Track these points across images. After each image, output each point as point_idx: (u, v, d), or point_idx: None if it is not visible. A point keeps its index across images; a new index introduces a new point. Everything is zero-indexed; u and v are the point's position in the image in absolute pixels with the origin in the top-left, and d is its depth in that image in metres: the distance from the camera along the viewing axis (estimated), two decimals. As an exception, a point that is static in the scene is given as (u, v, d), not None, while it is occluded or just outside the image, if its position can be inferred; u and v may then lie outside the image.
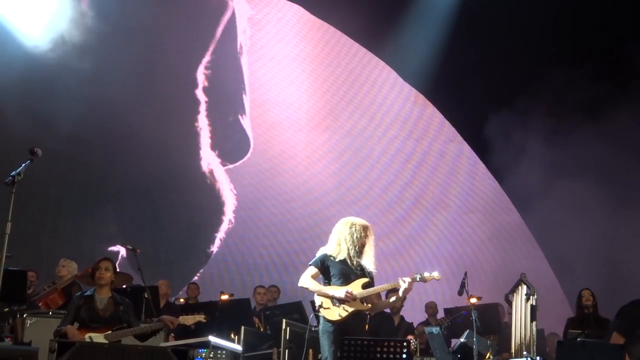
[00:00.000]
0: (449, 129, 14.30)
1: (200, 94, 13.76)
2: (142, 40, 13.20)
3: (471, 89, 12.86)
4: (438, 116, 14.34)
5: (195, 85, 13.75)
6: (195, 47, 13.89)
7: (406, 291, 6.35)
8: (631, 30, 12.26)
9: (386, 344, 5.94)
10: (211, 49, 13.98)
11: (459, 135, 14.18)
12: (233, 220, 13.51)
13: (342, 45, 14.59)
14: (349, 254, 6.34)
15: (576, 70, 12.04)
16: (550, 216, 12.47)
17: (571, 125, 12.12)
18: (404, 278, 6.33)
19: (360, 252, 6.38)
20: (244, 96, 14.11)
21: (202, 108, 13.72)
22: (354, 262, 6.35)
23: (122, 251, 12.04)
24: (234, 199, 13.59)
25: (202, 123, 13.61)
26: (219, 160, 13.80)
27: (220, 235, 13.48)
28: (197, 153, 13.64)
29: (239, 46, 14.23)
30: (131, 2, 13.37)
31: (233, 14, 14.28)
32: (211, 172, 13.66)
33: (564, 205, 12.10)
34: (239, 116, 14.05)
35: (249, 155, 13.83)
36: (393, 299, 6.67)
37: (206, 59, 13.88)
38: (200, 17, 14.12)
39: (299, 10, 14.53)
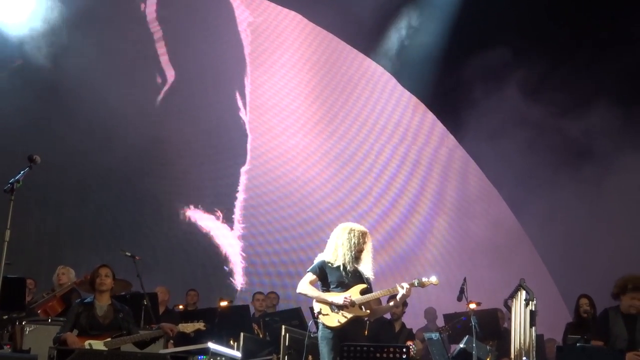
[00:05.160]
0: (448, 137, 14.33)
1: (199, 98, 13.77)
2: (142, 50, 13.19)
3: (472, 95, 12.90)
4: (438, 124, 14.38)
5: (193, 89, 13.76)
6: (196, 52, 13.92)
7: (404, 297, 6.36)
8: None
9: (386, 349, 5.93)
10: (211, 54, 14.01)
11: (457, 142, 14.21)
12: (231, 226, 13.50)
13: (341, 52, 14.63)
14: (346, 260, 6.33)
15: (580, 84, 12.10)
16: (548, 222, 12.49)
17: (569, 139, 12.20)
18: (402, 284, 6.33)
19: (357, 258, 6.37)
20: (243, 102, 14.13)
21: (203, 113, 13.72)
22: (351, 268, 6.34)
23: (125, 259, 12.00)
24: (232, 205, 13.58)
25: (201, 129, 13.60)
26: (217, 167, 13.80)
27: (219, 241, 13.47)
28: (196, 160, 13.64)
29: (239, 52, 14.26)
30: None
31: (233, 20, 14.31)
32: (210, 178, 13.66)
33: (561, 210, 12.13)
34: (238, 123, 14.07)
35: (247, 161, 13.83)
36: (391, 304, 6.68)
37: (206, 64, 13.90)
38: (202, 22, 14.16)
39: (296, 17, 14.56)
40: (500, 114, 12.58)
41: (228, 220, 13.52)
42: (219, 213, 13.50)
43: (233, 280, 13.31)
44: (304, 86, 14.43)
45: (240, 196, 13.65)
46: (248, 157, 13.87)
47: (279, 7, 14.57)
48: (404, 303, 8.42)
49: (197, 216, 13.50)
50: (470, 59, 12.79)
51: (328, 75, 14.60)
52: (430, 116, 14.40)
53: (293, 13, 14.55)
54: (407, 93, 14.45)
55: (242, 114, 14.06)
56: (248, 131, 14.00)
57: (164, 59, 13.72)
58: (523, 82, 12.60)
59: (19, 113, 12.23)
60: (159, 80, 13.61)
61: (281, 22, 14.64)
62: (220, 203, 13.61)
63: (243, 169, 13.80)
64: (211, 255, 13.39)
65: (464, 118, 13.26)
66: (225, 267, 13.41)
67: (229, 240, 13.49)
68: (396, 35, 13.92)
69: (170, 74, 13.60)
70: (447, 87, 13.50)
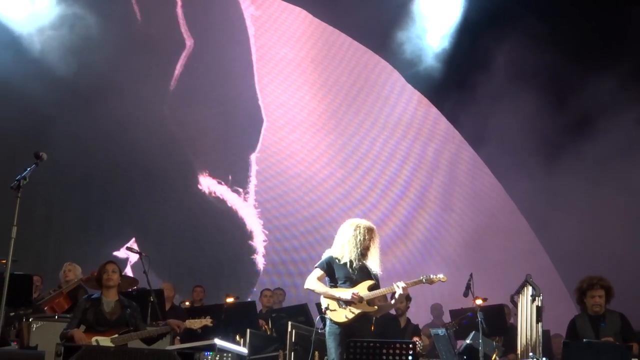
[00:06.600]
0: (452, 132, 14.30)
1: (205, 96, 13.77)
2: (149, 48, 13.19)
3: (473, 92, 12.87)
4: (441, 119, 14.34)
5: (200, 86, 13.76)
6: (200, 49, 13.93)
7: (401, 296, 6.42)
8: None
9: (392, 345, 5.94)
10: (216, 52, 14.01)
11: (462, 137, 14.18)
12: (238, 222, 13.51)
13: (345, 47, 14.60)
14: (352, 256, 6.34)
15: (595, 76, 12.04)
16: (554, 217, 12.47)
17: (565, 139, 12.19)
18: (397, 283, 6.35)
19: (363, 254, 6.38)
20: (251, 99, 14.14)
21: (205, 111, 13.71)
22: (358, 265, 6.35)
23: (131, 255, 12.04)
24: (238, 201, 13.58)
25: (208, 125, 13.60)
26: (223, 163, 13.81)
27: (225, 237, 13.47)
28: (202, 155, 13.64)
29: (245, 49, 14.27)
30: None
31: (240, 15, 14.31)
32: (216, 174, 13.66)
33: (565, 205, 12.11)
34: (245, 118, 14.07)
35: (254, 156, 13.83)
36: (392, 301, 6.71)
37: (211, 60, 13.90)
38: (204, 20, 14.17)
39: (295, 10, 14.54)
40: (503, 108, 12.55)
41: (235, 218, 13.53)
42: (225, 211, 13.52)
43: (240, 277, 13.33)
44: (307, 82, 14.40)
45: (247, 194, 13.65)
46: (255, 153, 13.88)
47: (284, 3, 14.55)
48: (407, 298, 8.44)
49: (203, 214, 13.51)
50: (473, 55, 12.78)
51: (331, 70, 14.58)
52: (434, 110, 14.36)
53: (298, 9, 14.52)
54: (409, 87, 14.41)
55: (252, 106, 14.05)
56: (257, 130, 14.00)
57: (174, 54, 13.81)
58: (526, 76, 12.56)
59: (23, 111, 12.24)
60: (160, 81, 13.64)
61: (281, 15, 14.62)
62: (228, 201, 13.60)
63: (250, 167, 13.80)
64: (218, 251, 13.41)
65: (467, 114, 13.23)
66: (231, 264, 13.43)
67: (235, 237, 13.50)
68: (399, 30, 13.87)
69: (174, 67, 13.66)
70: (450, 83, 13.47)
